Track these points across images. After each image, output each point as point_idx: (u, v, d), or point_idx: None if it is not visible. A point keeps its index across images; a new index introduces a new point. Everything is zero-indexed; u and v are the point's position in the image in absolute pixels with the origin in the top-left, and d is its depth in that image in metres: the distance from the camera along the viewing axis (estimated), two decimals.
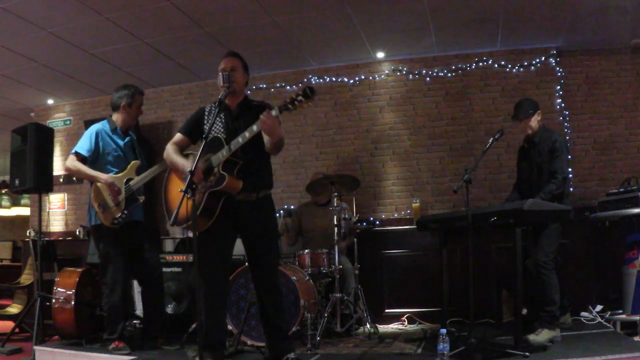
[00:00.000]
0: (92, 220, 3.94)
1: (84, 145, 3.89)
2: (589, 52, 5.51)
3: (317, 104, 5.83)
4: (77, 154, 3.87)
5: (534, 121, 3.92)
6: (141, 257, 4.00)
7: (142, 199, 3.91)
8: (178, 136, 3.29)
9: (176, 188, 3.22)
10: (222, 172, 3.00)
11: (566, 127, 5.43)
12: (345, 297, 4.41)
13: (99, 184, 3.84)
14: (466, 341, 3.33)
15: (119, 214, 3.80)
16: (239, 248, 3.30)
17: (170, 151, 3.24)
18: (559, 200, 3.70)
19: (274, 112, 2.87)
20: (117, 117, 4.02)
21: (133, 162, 3.96)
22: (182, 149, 3.27)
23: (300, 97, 2.80)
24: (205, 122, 3.21)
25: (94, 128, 3.97)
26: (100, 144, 3.91)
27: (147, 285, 4.09)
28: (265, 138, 3.08)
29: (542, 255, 3.66)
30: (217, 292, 3.14)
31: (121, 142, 4.00)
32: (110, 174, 3.85)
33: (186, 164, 3.08)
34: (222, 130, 3.16)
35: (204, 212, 3.04)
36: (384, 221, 5.66)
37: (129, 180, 3.88)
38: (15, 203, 10.13)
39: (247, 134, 2.97)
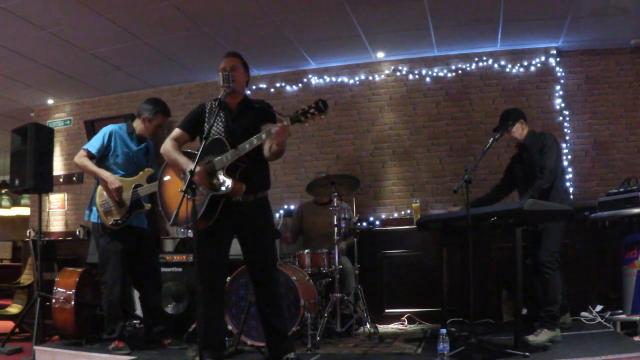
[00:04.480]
0: (93, 217, 3.96)
1: (95, 143, 3.93)
2: (589, 52, 5.51)
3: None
4: (86, 151, 3.92)
5: (517, 131, 3.94)
6: (139, 262, 4.02)
7: (147, 206, 3.95)
8: (177, 132, 3.25)
9: (172, 186, 3.20)
10: (226, 176, 3.00)
11: (566, 127, 5.43)
12: (345, 297, 4.41)
13: (100, 181, 3.87)
14: (466, 341, 3.33)
15: (120, 217, 3.82)
16: (238, 248, 3.30)
17: (170, 147, 3.19)
18: (547, 195, 3.71)
19: (285, 123, 2.85)
20: (136, 124, 4.06)
21: (147, 169, 3.99)
22: (180, 145, 3.24)
23: (313, 110, 2.80)
24: (206, 120, 3.19)
25: (109, 128, 4.01)
26: (112, 144, 3.95)
27: (142, 290, 4.12)
28: (267, 145, 3.07)
29: (547, 255, 3.65)
30: (215, 292, 3.13)
31: (134, 147, 4.02)
32: (117, 176, 3.87)
33: (189, 163, 3.05)
34: (222, 130, 3.14)
35: (205, 214, 3.03)
36: (384, 221, 5.66)
37: (137, 186, 3.90)
38: (15, 203, 10.12)
39: (255, 141, 2.95)
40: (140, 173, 3.96)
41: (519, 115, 3.97)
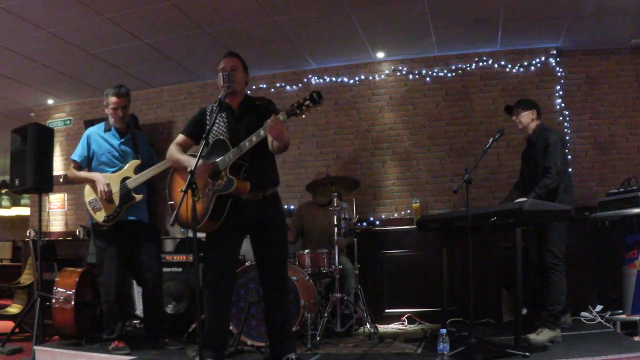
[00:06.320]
0: (91, 219, 3.97)
1: (78, 151, 4.01)
2: (589, 52, 5.51)
3: None
4: (73, 162, 4.01)
5: (525, 117, 3.94)
6: (138, 257, 4.00)
7: (138, 197, 3.90)
8: (180, 137, 3.29)
9: (180, 188, 3.20)
10: (229, 175, 2.99)
11: (566, 127, 5.43)
12: (345, 297, 4.41)
13: (89, 184, 3.92)
14: (466, 341, 3.33)
15: (109, 213, 3.82)
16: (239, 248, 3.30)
17: (173, 151, 3.24)
18: (554, 195, 3.70)
19: (281, 117, 2.87)
20: (110, 118, 4.05)
21: (132, 161, 3.97)
22: (185, 150, 3.27)
23: (307, 102, 2.82)
24: (208, 122, 3.20)
25: (87, 132, 4.06)
26: (94, 146, 3.97)
27: (143, 285, 4.10)
28: (270, 139, 3.08)
29: (552, 257, 3.65)
30: (223, 293, 3.13)
31: (116, 142, 3.99)
32: (104, 174, 3.89)
33: (191, 160, 3.05)
34: (224, 130, 3.15)
35: (213, 215, 3.03)
36: (384, 221, 5.66)
37: (125, 179, 3.88)
38: (15, 203, 10.11)
39: (254, 138, 2.96)
40: (127, 165, 3.94)
41: (533, 105, 3.98)
